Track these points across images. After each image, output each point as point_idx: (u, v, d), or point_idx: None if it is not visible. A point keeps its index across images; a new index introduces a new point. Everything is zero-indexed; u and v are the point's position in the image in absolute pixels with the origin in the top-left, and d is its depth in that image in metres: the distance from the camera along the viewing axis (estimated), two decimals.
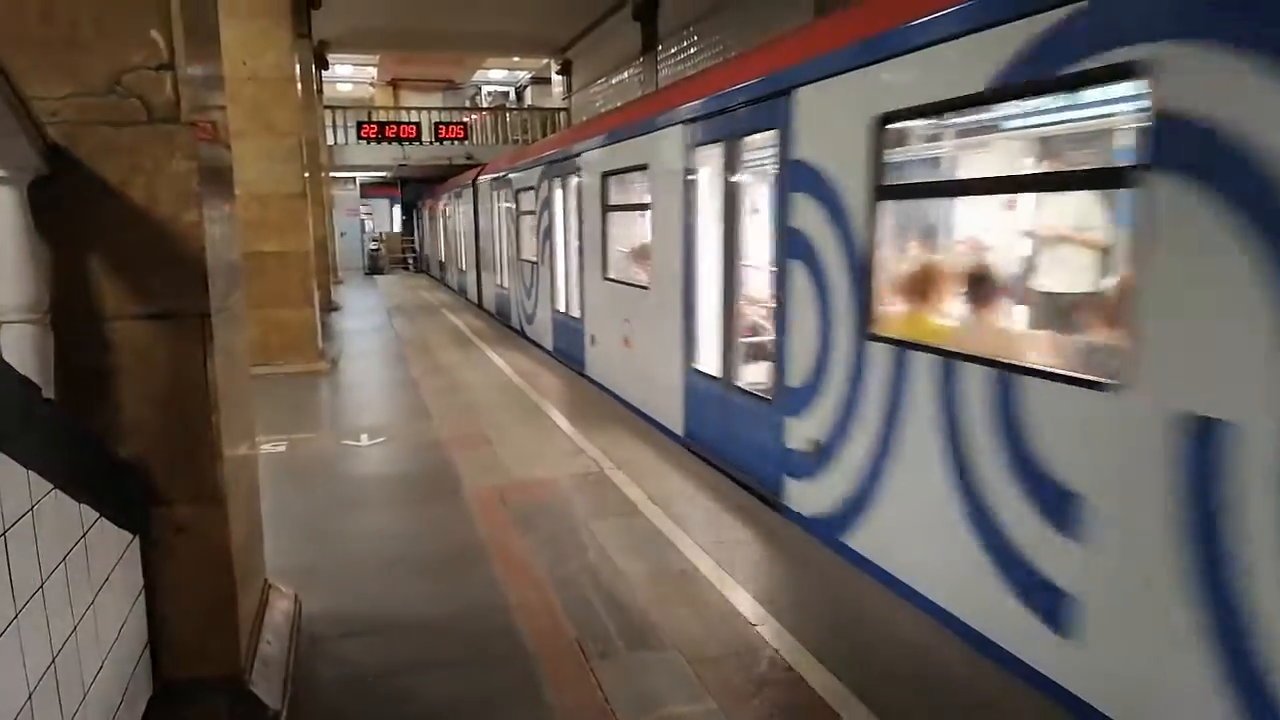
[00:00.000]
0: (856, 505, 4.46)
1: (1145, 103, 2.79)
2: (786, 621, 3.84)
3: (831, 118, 4.68)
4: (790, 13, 12.35)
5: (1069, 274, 4.53)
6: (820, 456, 4.79)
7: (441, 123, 26.96)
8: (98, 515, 2.35)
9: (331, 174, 25.28)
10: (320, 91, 23.82)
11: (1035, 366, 3.36)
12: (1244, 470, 2.47)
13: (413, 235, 35.56)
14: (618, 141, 8.31)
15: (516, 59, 31.57)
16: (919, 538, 4.01)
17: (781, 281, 5.19)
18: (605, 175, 8.65)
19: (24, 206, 2.41)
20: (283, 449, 6.96)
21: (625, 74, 21.94)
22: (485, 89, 37.76)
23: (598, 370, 9.36)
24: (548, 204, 11.15)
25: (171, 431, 2.72)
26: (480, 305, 17.97)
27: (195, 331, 2.71)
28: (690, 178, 6.46)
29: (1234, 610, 2.53)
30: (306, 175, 11.70)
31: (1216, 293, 2.59)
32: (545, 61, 30.03)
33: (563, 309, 10.79)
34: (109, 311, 2.60)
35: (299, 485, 6.09)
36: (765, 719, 3.15)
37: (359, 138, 26.02)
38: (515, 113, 30.73)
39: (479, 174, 17.75)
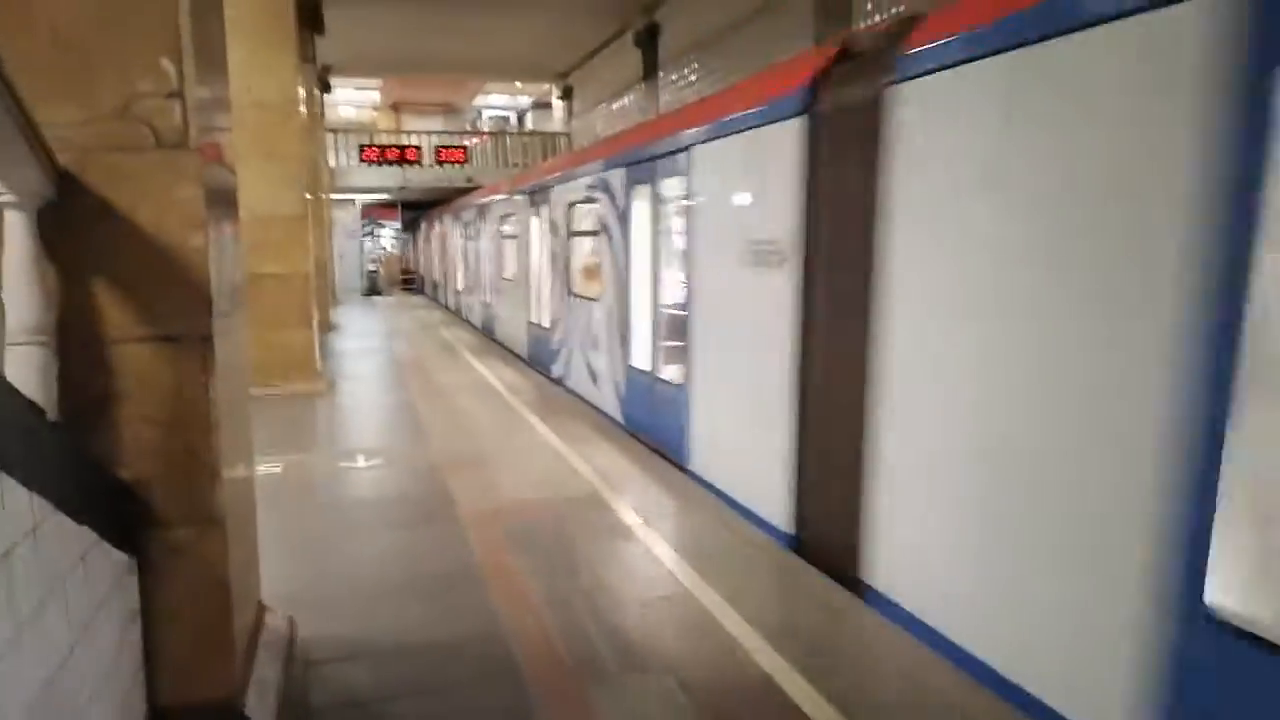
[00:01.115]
0: (567, 370, 10.85)
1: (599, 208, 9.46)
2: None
3: (559, 202, 11.07)
4: (791, 39, 12.51)
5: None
6: (558, 350, 11.26)
7: (442, 146, 27.14)
8: (97, 537, 2.36)
9: (332, 196, 25.43)
10: (322, 115, 24.01)
11: (592, 298, 9.64)
12: (612, 320, 8.88)
13: (412, 256, 35.72)
14: (506, 198, 14.89)
15: (518, 84, 31.86)
16: (580, 376, 10.22)
17: (553, 276, 11.57)
18: (500, 217, 15.41)
19: (33, 231, 2.44)
20: (279, 470, 6.96)
21: (626, 99, 22.15)
22: (486, 113, 38.05)
23: (498, 334, 16.19)
24: (479, 234, 18.17)
25: (172, 454, 2.73)
26: (445, 307, 24.89)
27: (198, 354, 2.73)
28: (528, 223, 13.04)
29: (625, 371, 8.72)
30: (308, 197, 11.78)
31: (609, 265, 9.00)
32: (547, 86, 30.32)
33: (485, 300, 17.67)
34: (113, 335, 2.63)
35: (294, 507, 6.09)
36: None
37: (360, 160, 26.18)
38: (516, 137, 30.96)
39: (444, 210, 24.67)
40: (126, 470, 2.69)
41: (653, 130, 8.08)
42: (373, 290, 31.07)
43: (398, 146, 26.72)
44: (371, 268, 32.26)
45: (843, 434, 4.65)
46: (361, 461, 7.27)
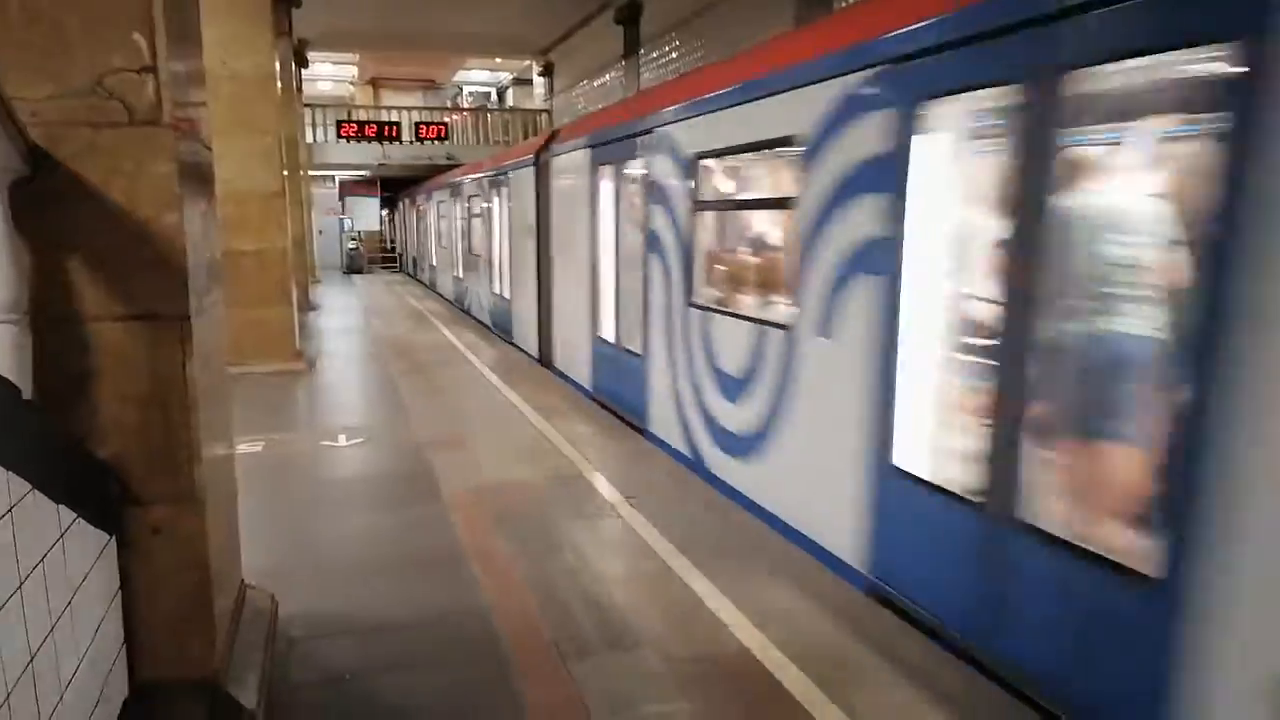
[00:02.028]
0: (470, 303, 16.83)
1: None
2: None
3: (466, 194, 16.67)
4: (770, 19, 12.46)
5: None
6: (466, 291, 17.29)
7: (422, 122, 26.85)
8: (75, 516, 2.35)
9: (310, 172, 25.15)
10: (300, 90, 23.69)
11: (480, 255, 15.46)
12: (487, 269, 14.65)
13: (391, 233, 35.48)
14: (443, 187, 20.27)
15: (498, 60, 31.55)
16: (475, 305, 16.22)
17: (464, 244, 17.39)
18: (439, 202, 20.86)
19: (4, 207, 2.41)
20: (259, 449, 6.93)
21: (607, 76, 22.00)
22: (466, 89, 37.66)
23: (438, 288, 22.14)
24: (429, 213, 23.35)
25: (150, 432, 2.72)
26: (408, 274, 29.85)
27: (175, 333, 2.71)
28: (453, 207, 18.58)
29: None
30: (285, 174, 11.65)
31: (485, 235, 15.02)
32: (527, 62, 30.03)
33: (432, 264, 23.53)
34: (89, 313, 2.61)
35: (276, 486, 6.08)
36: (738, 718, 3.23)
37: (339, 136, 25.87)
38: (496, 113, 30.67)
39: (408, 192, 28.93)
40: (104, 449, 2.68)
41: (499, 159, 14.40)
42: (353, 268, 30.77)
43: (377, 123, 26.43)
44: (352, 245, 31.92)
45: (548, 307, 10.61)
46: (343, 440, 7.25)
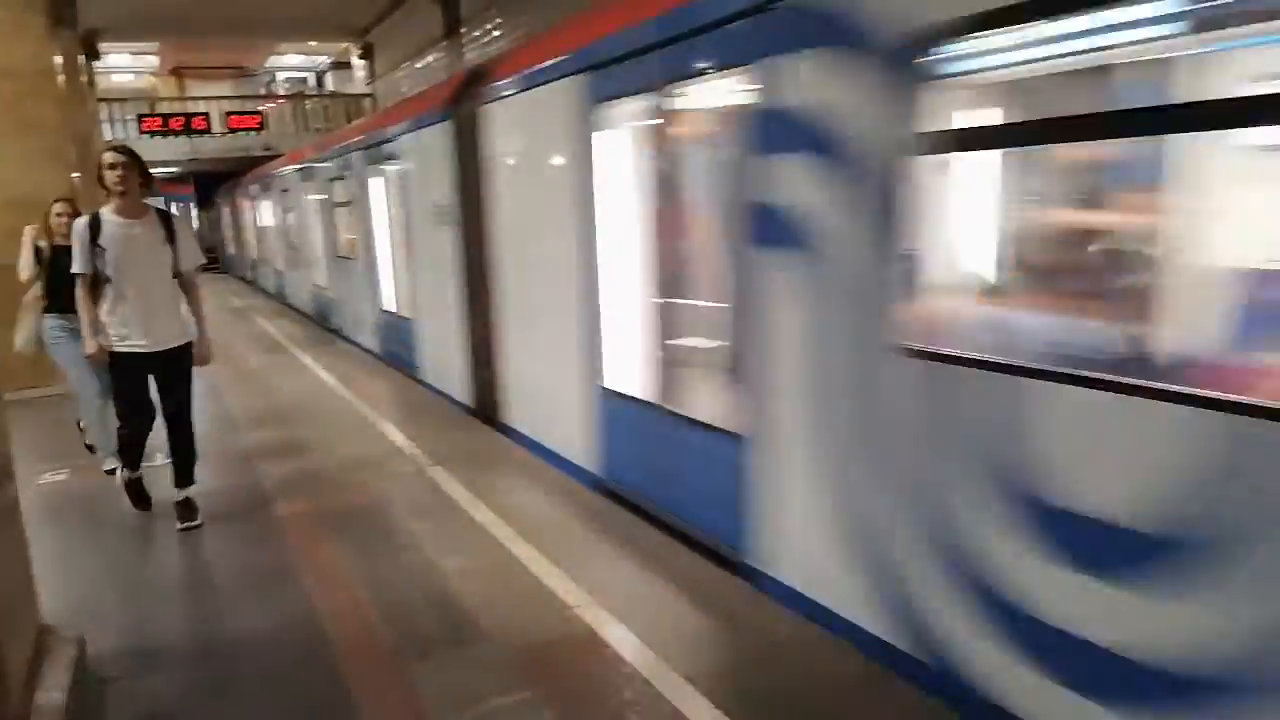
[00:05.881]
0: (297, 296, 17.12)
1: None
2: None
3: (274, 191, 17.96)
4: None
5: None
6: (286, 286, 18.30)
7: (233, 112, 25.30)
8: None
9: None
10: (92, 83, 21.81)
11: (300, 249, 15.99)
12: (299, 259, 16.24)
13: (209, 232, 33.35)
14: (252, 183, 20.97)
15: (314, 43, 30.04)
16: (302, 296, 16.51)
17: (279, 237, 18.17)
18: (252, 197, 21.45)
19: None
20: (64, 477, 6.42)
21: (430, 57, 21.37)
22: (281, 75, 35.72)
23: (248, 276, 23.91)
24: (241, 209, 24.03)
25: None
26: (227, 271, 29.75)
27: None
28: (268, 201, 19.16)
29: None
30: (77, 175, 10.72)
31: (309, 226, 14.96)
32: (345, 45, 28.76)
33: (254, 259, 23.37)
34: None
35: (85, 516, 5.64)
36: (582, 698, 3.24)
37: (140, 132, 24.03)
38: (316, 99, 29.25)
39: (225, 188, 27.86)
40: None
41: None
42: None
43: (183, 115, 24.68)
44: None
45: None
46: (160, 459, 6.79)
